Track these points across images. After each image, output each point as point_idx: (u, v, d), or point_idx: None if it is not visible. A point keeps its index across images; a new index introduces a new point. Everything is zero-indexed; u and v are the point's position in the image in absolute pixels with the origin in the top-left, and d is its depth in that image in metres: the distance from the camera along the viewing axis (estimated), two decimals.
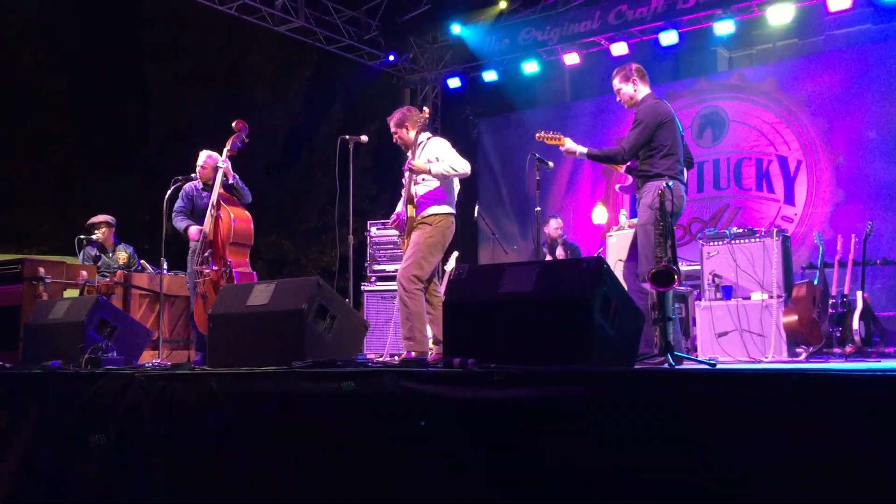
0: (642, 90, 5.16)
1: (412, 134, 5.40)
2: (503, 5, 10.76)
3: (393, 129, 5.47)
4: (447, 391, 3.20)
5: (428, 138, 5.43)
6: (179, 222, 6.46)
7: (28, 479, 4.34)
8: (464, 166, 5.23)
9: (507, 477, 2.99)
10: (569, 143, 5.24)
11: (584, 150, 5.19)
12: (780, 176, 9.60)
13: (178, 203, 6.52)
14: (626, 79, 5.17)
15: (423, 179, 5.30)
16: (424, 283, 5.15)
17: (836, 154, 9.24)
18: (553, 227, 8.91)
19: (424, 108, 5.57)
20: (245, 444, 3.71)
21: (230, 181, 6.30)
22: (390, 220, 5.72)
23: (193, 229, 6.32)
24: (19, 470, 4.36)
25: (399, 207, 5.55)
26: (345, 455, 3.42)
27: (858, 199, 8.96)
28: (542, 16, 10.60)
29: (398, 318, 5.35)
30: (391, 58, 11.14)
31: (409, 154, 5.46)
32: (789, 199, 9.52)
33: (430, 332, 5.27)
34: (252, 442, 3.69)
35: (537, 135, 5.58)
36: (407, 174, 5.35)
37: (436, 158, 5.28)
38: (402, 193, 5.45)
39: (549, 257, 8.62)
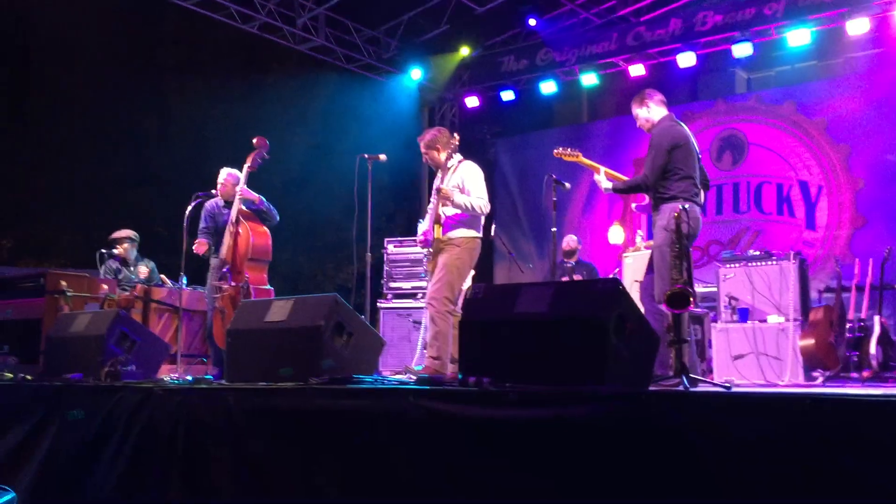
0: (658, 113, 5.18)
1: (443, 156, 5.48)
2: (465, 52, 11.18)
3: (423, 150, 5.54)
4: (463, 410, 3.22)
5: (459, 161, 5.50)
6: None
7: (48, 488, 4.38)
8: (483, 206, 5.34)
9: (522, 495, 3.00)
10: (602, 174, 5.28)
11: (610, 185, 5.23)
12: (801, 201, 9.57)
13: (202, 224, 6.58)
14: (641, 103, 5.21)
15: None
16: (455, 304, 5.22)
17: (856, 179, 9.21)
18: (571, 243, 8.92)
19: (455, 134, 5.62)
20: (262, 459, 3.73)
21: (258, 206, 6.36)
22: (418, 239, 5.80)
23: (201, 247, 6.41)
24: (40, 479, 4.41)
25: (425, 226, 5.62)
26: (360, 471, 3.44)
27: (879, 223, 8.91)
28: (560, 36, 10.66)
29: (415, 336, 5.38)
30: (416, 74, 11.22)
31: (437, 174, 5.53)
32: (810, 223, 9.49)
33: None
34: (269, 457, 3.71)
35: (555, 151, 5.66)
36: (434, 195, 5.42)
37: (459, 185, 5.34)
38: (429, 212, 5.51)
39: (564, 276, 8.62)
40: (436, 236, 5.33)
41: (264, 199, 6.44)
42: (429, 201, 5.56)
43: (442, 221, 5.34)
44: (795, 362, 5.99)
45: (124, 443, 4.16)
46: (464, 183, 5.36)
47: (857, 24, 8.58)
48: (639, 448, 2.79)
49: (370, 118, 12.02)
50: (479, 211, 5.32)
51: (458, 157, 5.54)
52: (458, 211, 5.32)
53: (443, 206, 5.35)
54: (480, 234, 5.43)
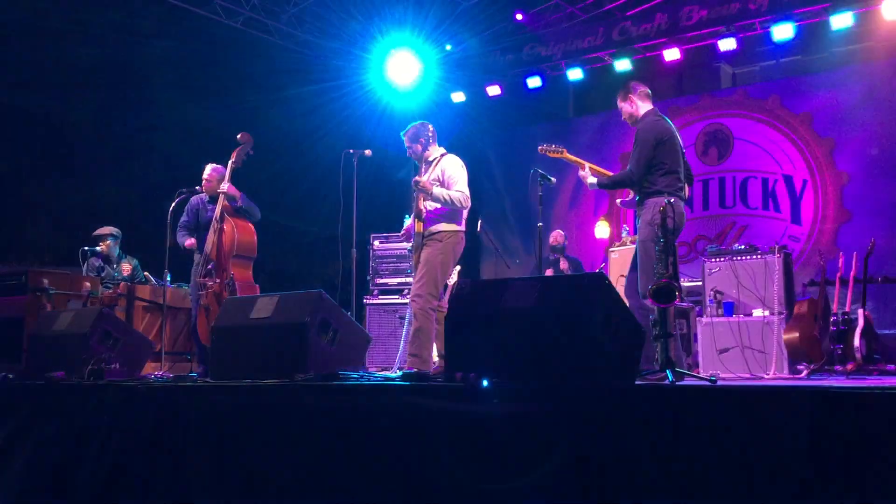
0: (643, 107, 5.18)
1: (425, 149, 5.47)
2: (448, 47, 11.11)
3: (407, 144, 5.54)
4: (449, 405, 3.21)
5: (442, 155, 5.49)
6: (180, 238, 6.50)
7: (32, 488, 4.34)
8: (462, 199, 5.30)
9: (509, 491, 3.00)
10: (587, 170, 5.27)
11: (595, 180, 5.22)
12: (786, 195, 9.60)
13: (183, 217, 6.55)
14: (625, 97, 5.21)
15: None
16: (439, 300, 5.21)
17: (841, 173, 9.26)
18: (556, 237, 8.93)
19: (430, 125, 5.61)
20: (247, 456, 3.71)
21: (239, 204, 6.32)
22: (402, 234, 5.80)
23: (189, 240, 6.40)
24: (24, 479, 4.37)
25: (410, 221, 5.61)
26: (347, 468, 3.43)
27: (863, 218, 8.95)
28: (545, 31, 10.66)
29: (400, 332, 5.37)
30: (401, 70, 11.15)
31: (421, 167, 5.52)
32: (795, 218, 9.53)
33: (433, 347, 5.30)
34: (254, 454, 3.69)
35: (539, 147, 5.64)
36: (414, 189, 5.41)
37: (439, 178, 5.33)
38: (413, 207, 5.50)
39: (549, 271, 8.63)
40: (417, 231, 5.32)
41: (245, 197, 6.39)
42: (414, 197, 5.55)
43: (423, 216, 5.34)
44: (780, 356, 6.02)
45: (108, 441, 4.12)
46: (443, 176, 5.36)
47: (841, 18, 8.61)
48: (625, 443, 2.79)
49: (356, 113, 11.97)
50: (459, 204, 5.30)
51: (440, 150, 5.53)
52: (439, 205, 5.31)
53: (423, 200, 5.35)
54: (463, 228, 5.41)
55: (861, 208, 9.04)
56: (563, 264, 8.76)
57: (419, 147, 5.49)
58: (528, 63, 10.71)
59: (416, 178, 5.37)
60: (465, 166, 5.47)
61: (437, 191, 5.26)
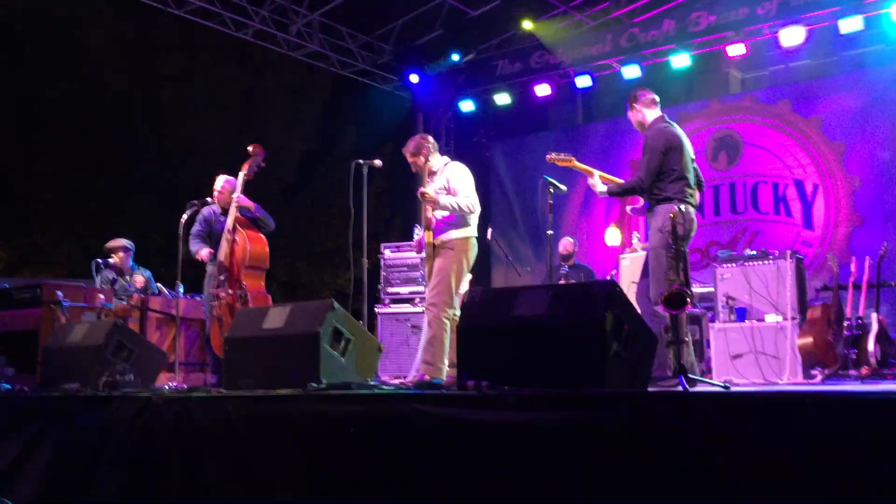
0: (650, 114, 5.18)
1: (429, 161, 5.50)
2: (455, 57, 10.97)
3: (409, 159, 5.58)
4: (461, 413, 3.21)
5: (445, 164, 5.52)
6: (193, 245, 6.54)
7: (47, 500, 4.36)
8: (469, 205, 5.33)
9: (521, 498, 2.99)
10: (596, 178, 5.28)
11: (605, 188, 5.23)
12: (798, 200, 9.56)
13: (196, 227, 6.59)
14: (631, 106, 5.23)
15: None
16: (454, 307, 5.22)
17: (852, 177, 9.22)
18: (567, 247, 8.91)
19: (430, 137, 5.67)
20: (260, 467, 3.72)
21: (253, 214, 6.35)
22: (414, 245, 5.85)
23: (203, 251, 6.42)
24: (39, 491, 4.39)
25: (420, 233, 5.65)
26: (360, 476, 3.43)
27: (877, 222, 8.90)
28: (553, 39, 10.67)
29: (413, 341, 5.39)
30: (414, 78, 11.17)
31: (426, 179, 5.54)
32: (807, 223, 9.49)
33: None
34: (268, 464, 3.70)
35: (548, 156, 5.65)
36: (420, 199, 5.44)
37: (445, 187, 5.35)
38: (422, 218, 5.53)
39: (561, 280, 8.62)
40: (428, 241, 5.35)
41: (260, 207, 6.43)
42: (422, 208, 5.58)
43: (433, 226, 5.36)
44: (794, 361, 6.00)
45: (123, 452, 4.14)
46: (449, 183, 5.39)
47: (850, 22, 8.59)
48: (638, 450, 2.79)
49: (365, 123, 12.03)
50: (467, 210, 5.33)
51: (444, 159, 5.57)
52: (447, 213, 5.34)
53: (432, 209, 5.37)
54: (474, 234, 5.44)
55: (873, 212, 9.00)
56: (574, 272, 8.74)
57: (421, 160, 5.53)
58: (537, 71, 10.73)
59: (421, 189, 5.40)
60: (469, 172, 5.50)
61: (444, 199, 5.30)
